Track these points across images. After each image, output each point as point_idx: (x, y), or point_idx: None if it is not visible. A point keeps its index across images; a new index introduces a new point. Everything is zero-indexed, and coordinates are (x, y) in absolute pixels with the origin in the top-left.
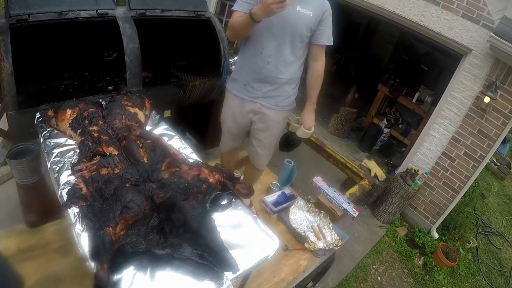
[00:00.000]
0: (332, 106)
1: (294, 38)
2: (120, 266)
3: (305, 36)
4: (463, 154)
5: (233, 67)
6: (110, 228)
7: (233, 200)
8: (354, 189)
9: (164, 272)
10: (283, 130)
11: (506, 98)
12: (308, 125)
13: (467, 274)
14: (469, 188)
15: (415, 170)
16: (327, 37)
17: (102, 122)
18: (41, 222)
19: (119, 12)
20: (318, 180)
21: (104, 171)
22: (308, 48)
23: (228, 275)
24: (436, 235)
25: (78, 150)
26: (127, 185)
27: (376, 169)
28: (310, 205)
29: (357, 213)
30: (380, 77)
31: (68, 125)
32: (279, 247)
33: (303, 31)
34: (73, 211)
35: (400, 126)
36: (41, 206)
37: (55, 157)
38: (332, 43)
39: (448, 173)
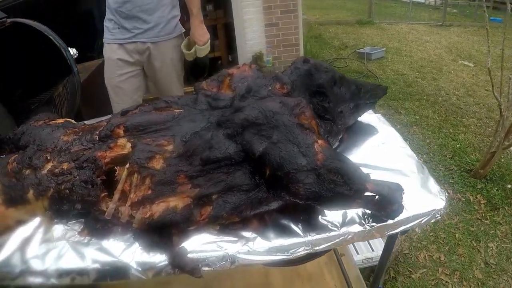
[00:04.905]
0: None
1: None
2: None
3: None
4: (281, 14)
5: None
6: None
7: None
8: None
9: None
10: (181, 59)
11: None
12: (201, 41)
13: None
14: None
15: (259, 53)
16: None
17: (48, 155)
18: None
19: None
20: None
21: (158, 161)
22: None
23: None
24: None
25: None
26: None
27: None
28: None
29: None
30: None
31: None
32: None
33: None
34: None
35: None
36: None
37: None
38: None
39: (281, 36)
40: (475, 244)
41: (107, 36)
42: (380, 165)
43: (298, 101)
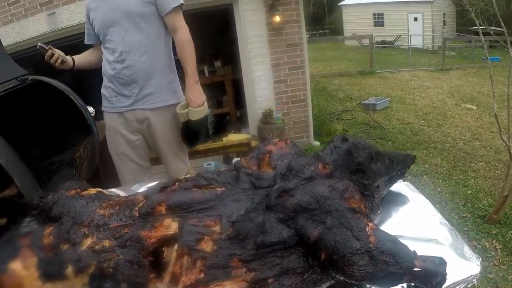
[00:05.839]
0: None
1: (134, 20)
2: None
3: (145, 13)
4: (289, 71)
5: None
6: None
7: None
8: None
9: None
10: (178, 127)
11: (288, 8)
12: (195, 103)
13: None
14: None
15: (269, 110)
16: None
17: (86, 230)
18: None
19: None
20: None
21: (208, 243)
22: (162, 24)
23: None
24: (317, 143)
25: None
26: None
27: (239, 137)
28: None
29: None
30: None
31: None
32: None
33: (138, 8)
34: None
35: (211, 103)
36: None
37: None
38: (182, 1)
39: (290, 92)
40: None
41: (105, 105)
42: (416, 235)
43: (346, 185)
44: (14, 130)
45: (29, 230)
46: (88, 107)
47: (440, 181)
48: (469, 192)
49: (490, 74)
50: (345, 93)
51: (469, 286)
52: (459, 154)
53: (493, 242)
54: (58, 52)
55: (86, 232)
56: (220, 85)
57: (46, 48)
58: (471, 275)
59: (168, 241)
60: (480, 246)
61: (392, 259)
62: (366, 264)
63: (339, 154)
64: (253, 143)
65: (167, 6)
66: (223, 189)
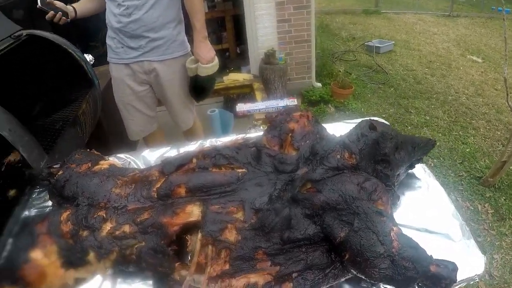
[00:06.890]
0: None
1: None
2: None
3: None
4: (293, 10)
5: None
6: None
7: None
8: (259, 96)
9: None
10: (186, 78)
11: None
12: (204, 59)
13: (364, 89)
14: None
15: (271, 50)
16: None
17: (104, 214)
18: None
19: None
20: (241, 106)
21: (231, 232)
22: None
23: None
24: (319, 84)
25: None
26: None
27: (240, 76)
28: (261, 126)
29: (295, 100)
30: None
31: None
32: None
33: None
34: None
35: (210, 39)
36: None
37: None
38: None
39: (293, 32)
40: None
41: (111, 55)
42: (428, 227)
43: (375, 186)
44: (11, 91)
45: (44, 214)
46: (86, 55)
47: (440, 135)
48: (467, 150)
49: (505, 37)
50: (348, 33)
51: (471, 282)
52: (460, 108)
53: (486, 205)
54: (59, 5)
55: (104, 216)
56: (219, 21)
57: (47, 9)
58: (475, 274)
59: (190, 228)
60: (472, 208)
61: (411, 265)
62: (387, 267)
63: (365, 144)
64: (256, 85)
65: None
66: (244, 170)
